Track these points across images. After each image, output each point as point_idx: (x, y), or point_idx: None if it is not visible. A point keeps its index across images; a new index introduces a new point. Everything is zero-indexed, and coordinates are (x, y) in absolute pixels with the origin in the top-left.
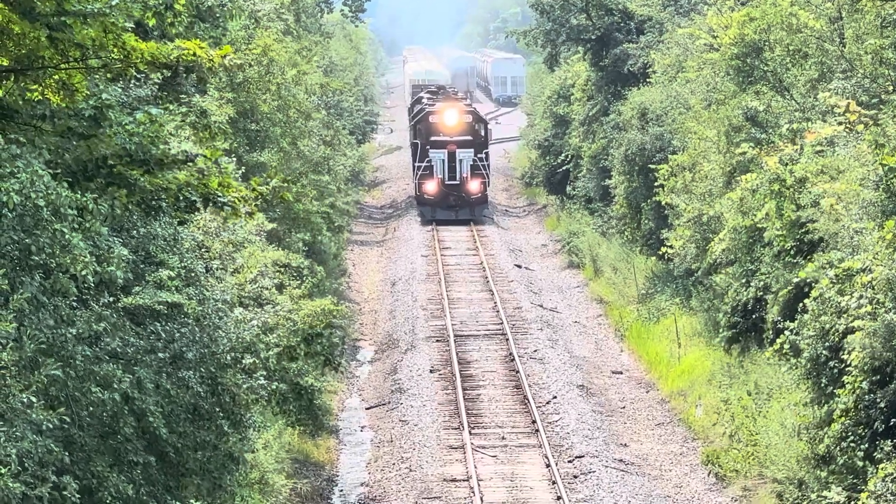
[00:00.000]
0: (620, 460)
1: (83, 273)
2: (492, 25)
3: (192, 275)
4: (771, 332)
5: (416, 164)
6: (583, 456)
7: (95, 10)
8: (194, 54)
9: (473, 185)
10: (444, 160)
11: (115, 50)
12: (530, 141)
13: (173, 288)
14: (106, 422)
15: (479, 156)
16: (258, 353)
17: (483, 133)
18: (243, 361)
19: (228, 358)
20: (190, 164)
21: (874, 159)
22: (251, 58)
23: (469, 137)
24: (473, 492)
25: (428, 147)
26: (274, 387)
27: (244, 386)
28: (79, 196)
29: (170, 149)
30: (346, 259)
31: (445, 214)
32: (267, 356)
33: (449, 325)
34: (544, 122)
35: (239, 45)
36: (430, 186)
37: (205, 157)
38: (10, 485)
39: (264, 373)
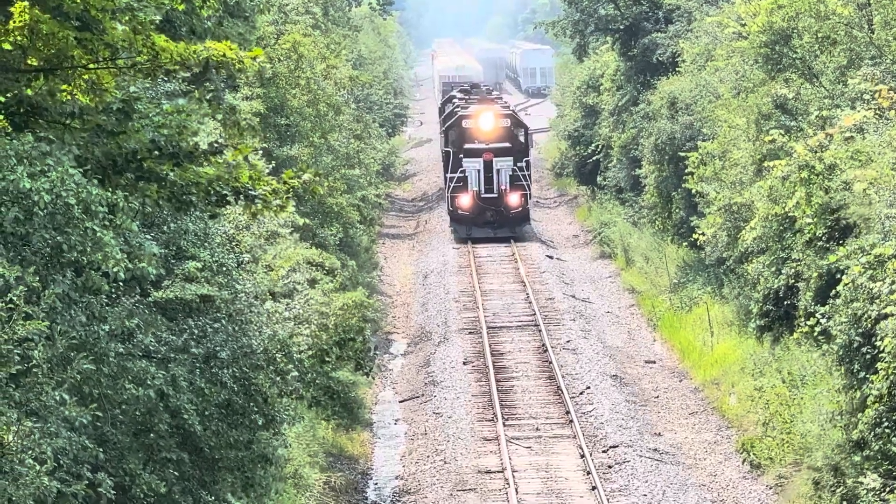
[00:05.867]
0: (655, 449)
1: (115, 270)
2: (520, 16)
3: (224, 269)
4: (803, 319)
5: (448, 175)
6: (617, 446)
7: (122, 6)
8: (224, 55)
9: (513, 199)
10: (479, 170)
11: (145, 50)
12: (560, 132)
13: (203, 280)
14: (139, 419)
15: (518, 165)
16: (291, 355)
17: (523, 139)
18: (276, 362)
19: (261, 359)
20: (219, 155)
21: None
22: (280, 53)
23: (507, 144)
24: (508, 483)
25: (461, 156)
26: (307, 394)
27: (278, 383)
28: (109, 193)
29: (198, 140)
30: (378, 252)
31: (482, 232)
32: (300, 358)
33: (482, 317)
34: (574, 113)
35: (268, 40)
36: (464, 200)
37: (235, 148)
38: (46, 482)
39: (296, 374)
